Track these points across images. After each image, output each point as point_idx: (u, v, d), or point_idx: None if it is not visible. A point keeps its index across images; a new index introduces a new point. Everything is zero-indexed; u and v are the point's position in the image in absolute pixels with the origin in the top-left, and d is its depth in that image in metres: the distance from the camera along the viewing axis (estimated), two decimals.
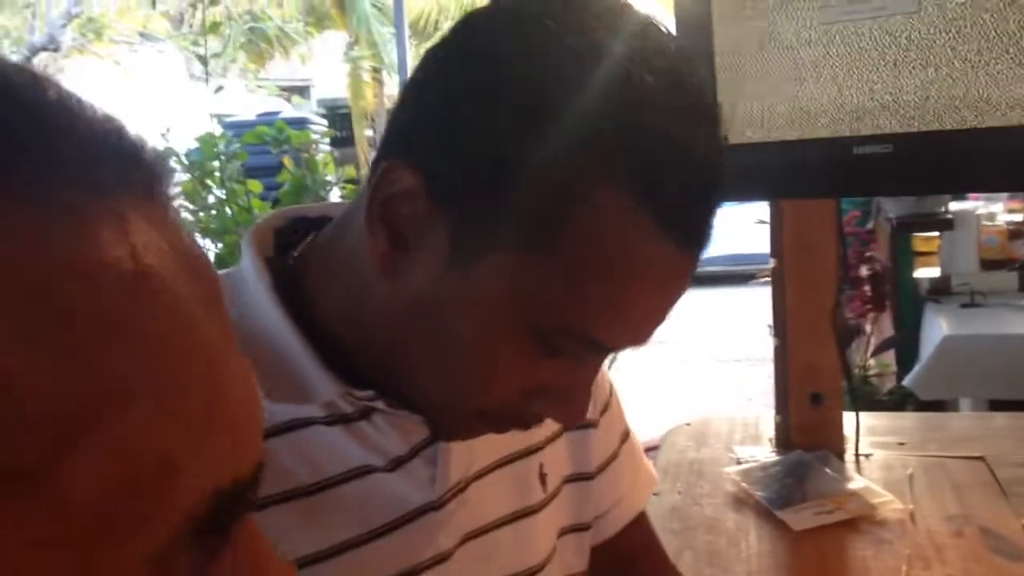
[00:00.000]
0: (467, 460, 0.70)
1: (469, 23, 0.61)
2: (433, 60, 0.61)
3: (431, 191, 0.57)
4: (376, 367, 0.64)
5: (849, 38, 1.20)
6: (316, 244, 0.68)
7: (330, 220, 0.69)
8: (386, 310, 0.61)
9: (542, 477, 0.77)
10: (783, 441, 1.53)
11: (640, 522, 0.90)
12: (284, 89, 14.53)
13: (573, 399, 0.62)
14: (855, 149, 1.21)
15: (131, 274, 0.26)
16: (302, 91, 16.09)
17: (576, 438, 0.80)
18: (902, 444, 1.65)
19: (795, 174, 1.25)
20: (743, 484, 1.47)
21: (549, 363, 0.59)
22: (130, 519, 0.25)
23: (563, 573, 0.79)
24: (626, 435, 0.88)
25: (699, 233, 0.58)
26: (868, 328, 3.73)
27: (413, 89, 0.62)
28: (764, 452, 1.55)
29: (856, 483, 1.44)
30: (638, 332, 0.60)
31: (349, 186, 3.81)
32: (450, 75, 0.59)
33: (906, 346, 3.46)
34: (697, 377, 5.84)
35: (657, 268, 0.57)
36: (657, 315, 0.59)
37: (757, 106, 1.22)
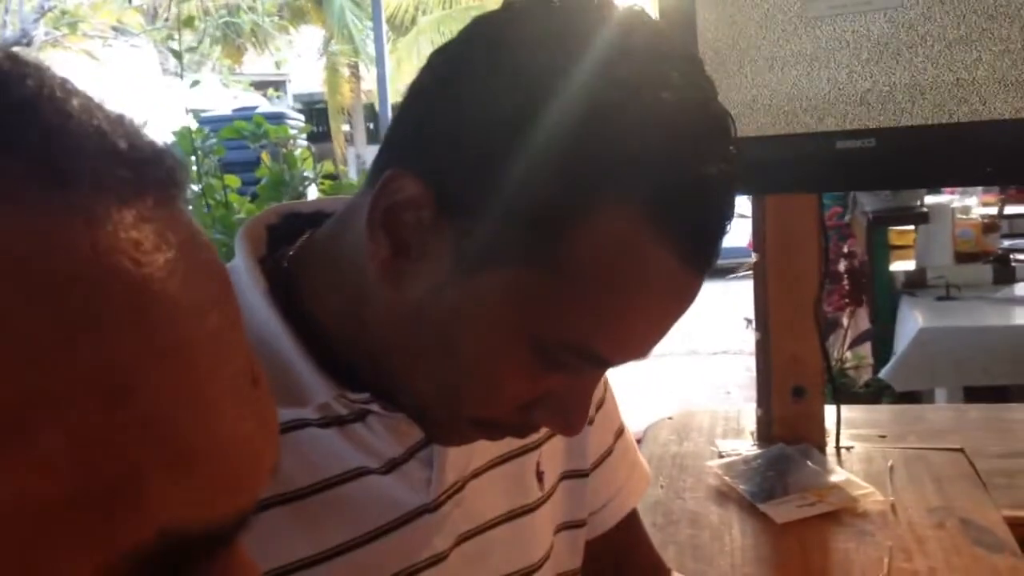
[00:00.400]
0: (463, 460, 0.70)
1: (474, 30, 0.60)
2: (437, 66, 0.60)
3: (436, 201, 0.57)
4: (372, 369, 0.63)
5: (832, 32, 1.21)
6: (313, 242, 0.67)
7: (325, 216, 0.69)
8: (386, 316, 0.60)
9: (539, 475, 0.76)
10: (765, 434, 1.53)
11: (633, 518, 0.90)
12: (260, 84, 14.45)
13: (571, 410, 0.62)
14: (838, 143, 1.22)
15: (115, 271, 0.25)
16: (278, 86, 16.01)
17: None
18: (882, 437, 1.67)
19: (778, 169, 1.25)
20: (726, 478, 1.48)
21: (550, 375, 0.59)
22: (83, 527, 0.23)
23: (558, 570, 0.79)
24: (620, 431, 0.88)
25: (709, 254, 0.58)
26: (845, 321, 3.76)
27: (417, 94, 0.60)
28: (746, 446, 1.56)
29: (837, 476, 1.45)
30: (640, 348, 0.59)
31: (327, 181, 3.79)
32: (455, 83, 0.58)
33: (882, 339, 3.49)
34: (677, 371, 5.86)
35: (666, 287, 0.57)
36: (661, 332, 0.59)
37: (740, 100, 1.23)
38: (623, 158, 0.54)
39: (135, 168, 0.27)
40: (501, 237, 0.55)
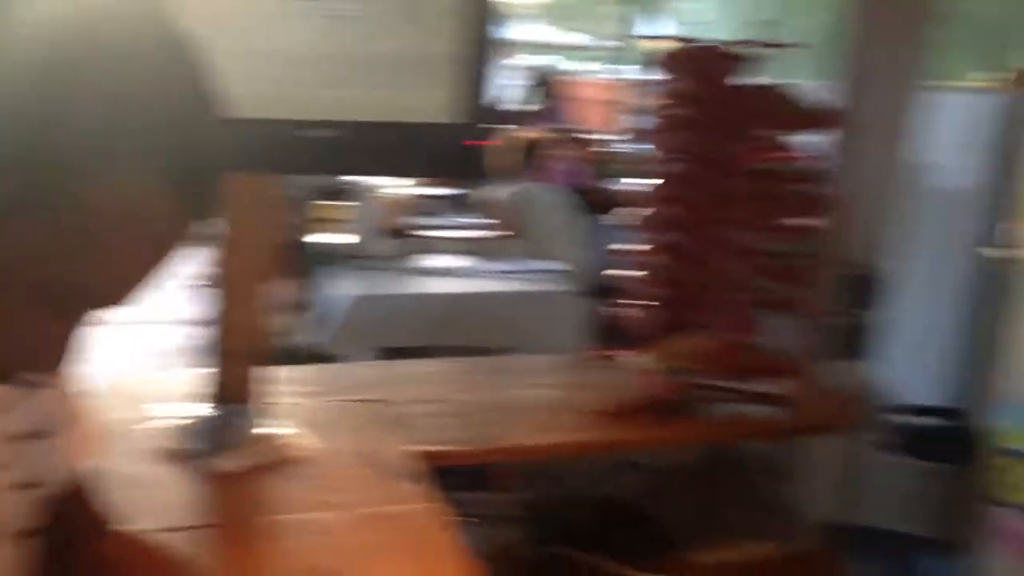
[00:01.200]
0: None
1: None
2: None
3: None
4: None
5: (296, 28, 1.34)
6: None
7: None
8: None
9: None
10: (208, 396, 1.60)
11: (84, 480, 0.92)
12: None
13: (54, 357, 0.64)
14: (301, 132, 1.36)
15: None
16: None
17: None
18: (317, 392, 1.84)
19: (246, 150, 1.34)
20: (170, 439, 1.54)
21: (40, 322, 0.61)
22: None
23: (13, 529, 0.79)
24: (73, 395, 0.89)
25: (207, 208, 0.63)
26: (284, 291, 3.95)
27: None
28: (189, 408, 1.61)
29: (277, 429, 1.58)
30: (133, 294, 0.63)
31: None
32: None
33: (316, 306, 3.75)
34: (118, 337, 5.64)
35: (165, 237, 0.62)
36: (152, 281, 0.63)
37: (216, 82, 1.30)
38: (130, 114, 0.57)
39: None
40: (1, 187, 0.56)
